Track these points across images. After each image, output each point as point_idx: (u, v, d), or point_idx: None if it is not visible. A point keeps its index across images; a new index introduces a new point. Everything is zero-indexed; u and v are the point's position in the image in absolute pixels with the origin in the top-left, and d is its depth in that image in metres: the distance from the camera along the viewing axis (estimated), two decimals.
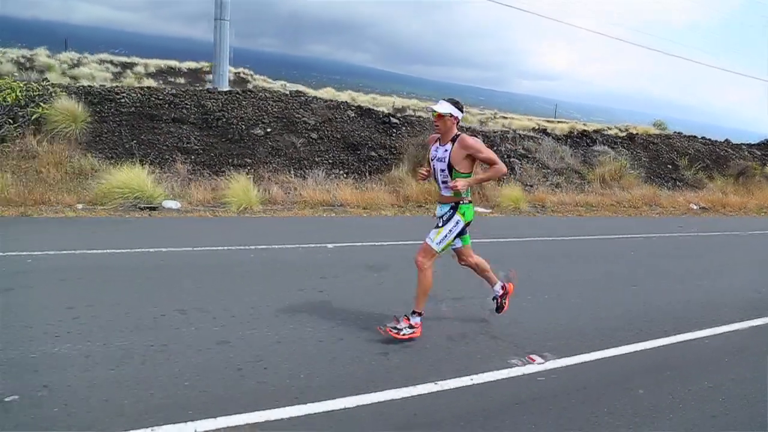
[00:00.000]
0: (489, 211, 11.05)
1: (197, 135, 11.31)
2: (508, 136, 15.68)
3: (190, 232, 7.42)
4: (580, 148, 17.00)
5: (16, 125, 9.06)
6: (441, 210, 3.92)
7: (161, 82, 21.98)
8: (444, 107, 3.76)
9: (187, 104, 11.82)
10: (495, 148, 14.79)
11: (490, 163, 3.78)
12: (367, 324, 4.10)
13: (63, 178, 8.92)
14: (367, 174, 12.01)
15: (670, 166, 17.86)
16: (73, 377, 2.99)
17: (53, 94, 9.88)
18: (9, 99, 8.81)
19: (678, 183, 17.27)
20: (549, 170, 15.00)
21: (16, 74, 15.73)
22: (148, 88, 12.51)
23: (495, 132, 15.62)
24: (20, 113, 9.10)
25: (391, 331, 3.75)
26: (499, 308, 4.35)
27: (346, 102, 14.65)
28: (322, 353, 3.57)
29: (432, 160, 3.95)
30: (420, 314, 3.85)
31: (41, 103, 9.37)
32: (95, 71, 22.12)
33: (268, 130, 12.03)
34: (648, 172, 16.80)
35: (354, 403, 2.93)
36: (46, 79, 12.46)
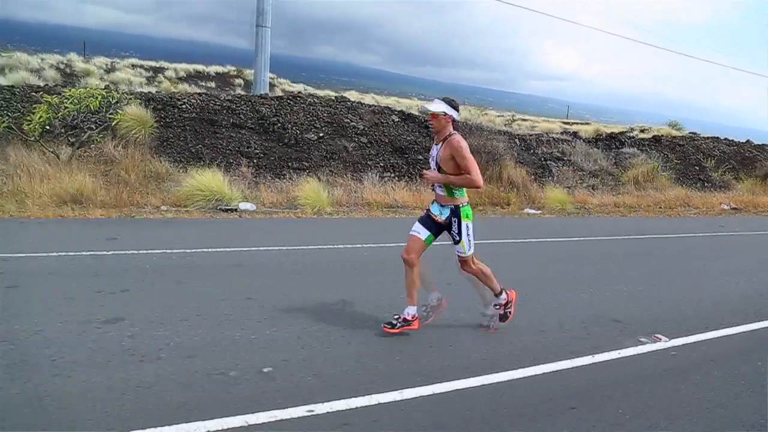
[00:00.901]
0: (539, 212, 11.47)
1: (256, 139, 11.78)
2: (543, 139, 16.10)
3: (287, 232, 7.93)
4: (610, 151, 17.43)
5: (97, 131, 9.53)
6: (437, 210, 3.88)
7: (193, 86, 22.50)
8: (437, 106, 3.73)
9: (243, 110, 12.30)
10: (532, 151, 15.24)
11: (466, 172, 3.68)
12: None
13: (142, 181, 9.39)
14: (416, 177, 12.45)
15: (697, 168, 18.23)
16: (306, 354, 3.48)
17: (127, 101, 10.35)
18: (92, 106, 9.28)
19: (706, 184, 17.65)
20: (584, 172, 15.42)
21: (58, 81, 16.25)
22: (206, 94, 13.00)
23: (531, 135, 16.03)
24: (99, 119, 9.57)
25: (488, 326, 4.16)
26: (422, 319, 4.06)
27: (389, 107, 15.10)
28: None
29: (429, 160, 3.96)
30: (501, 292, 4.09)
31: (117, 110, 9.84)
32: (130, 76, 22.64)
33: (321, 134, 12.49)
34: (677, 174, 17.19)
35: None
36: (107, 86, 12.95)
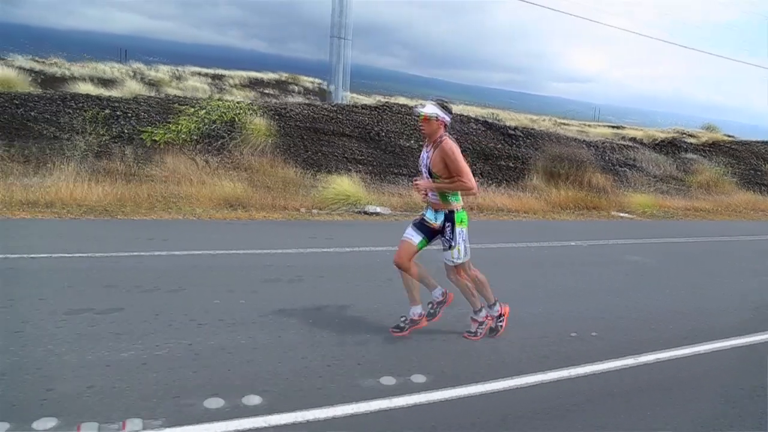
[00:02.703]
0: (628, 215, 12.18)
1: (361, 147, 12.62)
2: (612, 145, 16.78)
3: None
4: (673, 156, 18.05)
5: (232, 139, 10.43)
6: (431, 215, 3.76)
7: (258, 94, 23.45)
8: (429, 109, 3.61)
9: (344, 119, 13.15)
10: (604, 157, 15.91)
11: (458, 175, 3.55)
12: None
13: (281, 186, 10.25)
14: (504, 182, 13.21)
15: (758, 172, 18.76)
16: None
17: (252, 112, 11.26)
18: (226, 117, 10.18)
19: (763, 188, 18.18)
20: (653, 177, 16.08)
21: (143, 91, 17.18)
22: (308, 104, 13.88)
23: (604, 142, 16.71)
24: (229, 128, 10.48)
25: (472, 335, 3.97)
26: (423, 319, 4.02)
27: (468, 115, 15.87)
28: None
29: (420, 165, 3.82)
30: (495, 303, 4.01)
31: (246, 120, 10.74)
32: (197, 83, 23.64)
33: (412, 141, 13.31)
34: (739, 178, 17.76)
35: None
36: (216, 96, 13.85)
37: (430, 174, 3.66)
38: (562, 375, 3.51)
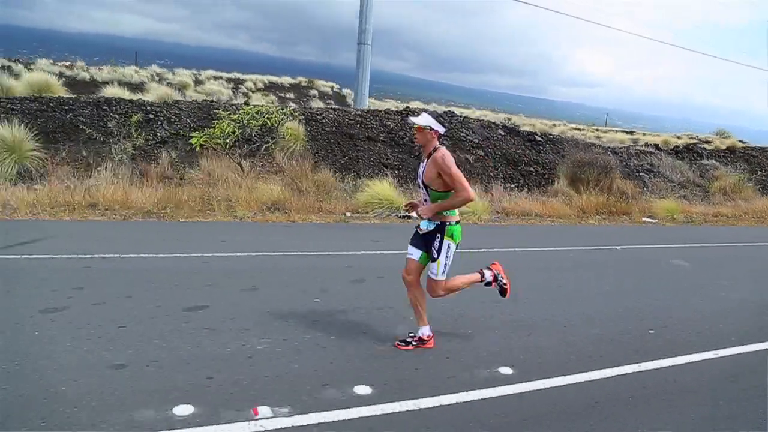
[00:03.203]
0: (655, 221, 12.36)
1: (390, 152, 12.88)
2: (633, 151, 16.98)
3: (481, 236, 8.98)
4: (687, 162, 18.22)
5: (270, 144, 10.71)
6: (425, 224, 3.66)
7: (277, 97, 23.84)
8: (423, 120, 3.62)
9: (372, 124, 13.42)
10: (624, 163, 16.10)
11: (453, 186, 3.49)
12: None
13: (316, 189, 10.50)
14: (532, 187, 13.43)
15: None
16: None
17: (286, 117, 11.53)
18: (269, 122, 10.45)
19: None
20: (674, 183, 16.25)
21: (177, 95, 17.54)
22: (338, 109, 14.16)
23: (622, 148, 16.91)
24: (264, 133, 10.76)
25: (404, 341, 3.84)
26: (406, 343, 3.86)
27: (494, 122, 16.11)
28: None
29: (418, 178, 3.80)
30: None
31: (283, 125, 11.01)
32: (215, 87, 24.03)
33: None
34: (759, 184, 17.90)
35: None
36: (245, 101, 14.13)
37: (426, 187, 3.61)
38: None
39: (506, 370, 3.54)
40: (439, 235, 3.62)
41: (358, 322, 4.26)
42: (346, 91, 30.85)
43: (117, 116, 11.15)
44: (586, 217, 11.86)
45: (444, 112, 16.13)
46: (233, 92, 24.43)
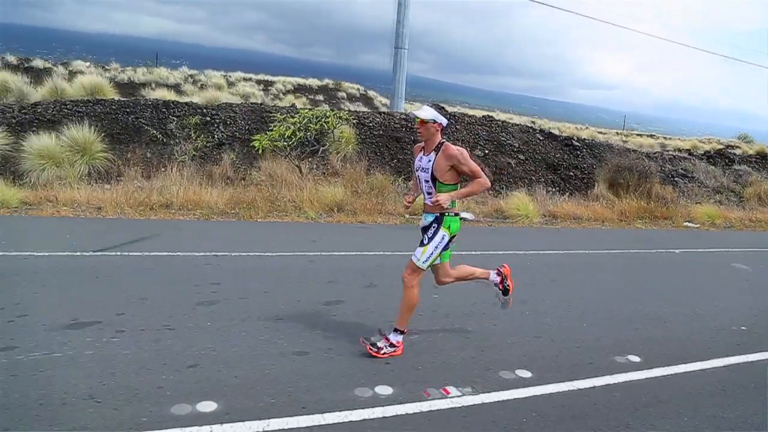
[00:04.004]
0: (697, 226, 12.58)
1: None
2: (666, 156, 17.17)
3: (535, 239, 9.30)
4: (720, 167, 18.37)
5: (322, 146, 11.07)
6: (426, 219, 3.72)
7: (307, 99, 24.23)
8: (427, 113, 3.58)
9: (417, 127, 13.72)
10: (661, 168, 16.29)
11: (473, 176, 3.58)
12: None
13: (366, 190, 10.83)
14: (573, 191, 13.68)
15: None
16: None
17: (344, 121, 11.89)
18: (326, 126, 10.81)
19: None
20: (708, 189, 16.42)
21: (220, 99, 17.94)
22: (384, 113, 14.50)
23: (656, 153, 17.10)
24: (318, 136, 11.12)
25: (370, 349, 3.60)
26: (506, 291, 4.13)
27: (532, 126, 16.38)
28: None
29: (416, 171, 3.76)
30: (402, 332, 3.68)
31: (338, 128, 11.37)
32: (248, 89, 24.46)
33: (486, 151, 13.85)
34: None
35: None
36: (297, 104, 14.51)
37: (433, 181, 3.59)
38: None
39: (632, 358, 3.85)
40: (435, 225, 3.64)
41: (500, 315, 4.59)
42: (372, 93, 31.20)
43: (175, 118, 11.57)
44: (628, 222, 12.10)
45: (483, 116, 16.41)
46: (264, 94, 24.87)
